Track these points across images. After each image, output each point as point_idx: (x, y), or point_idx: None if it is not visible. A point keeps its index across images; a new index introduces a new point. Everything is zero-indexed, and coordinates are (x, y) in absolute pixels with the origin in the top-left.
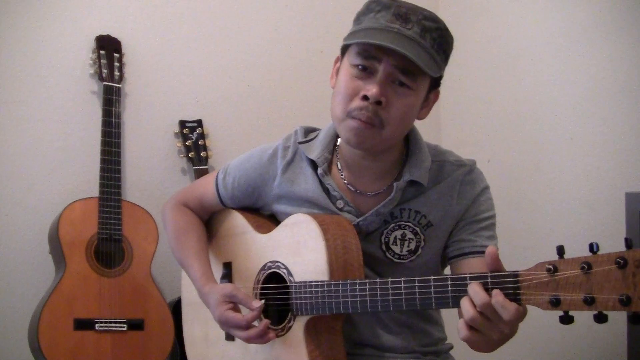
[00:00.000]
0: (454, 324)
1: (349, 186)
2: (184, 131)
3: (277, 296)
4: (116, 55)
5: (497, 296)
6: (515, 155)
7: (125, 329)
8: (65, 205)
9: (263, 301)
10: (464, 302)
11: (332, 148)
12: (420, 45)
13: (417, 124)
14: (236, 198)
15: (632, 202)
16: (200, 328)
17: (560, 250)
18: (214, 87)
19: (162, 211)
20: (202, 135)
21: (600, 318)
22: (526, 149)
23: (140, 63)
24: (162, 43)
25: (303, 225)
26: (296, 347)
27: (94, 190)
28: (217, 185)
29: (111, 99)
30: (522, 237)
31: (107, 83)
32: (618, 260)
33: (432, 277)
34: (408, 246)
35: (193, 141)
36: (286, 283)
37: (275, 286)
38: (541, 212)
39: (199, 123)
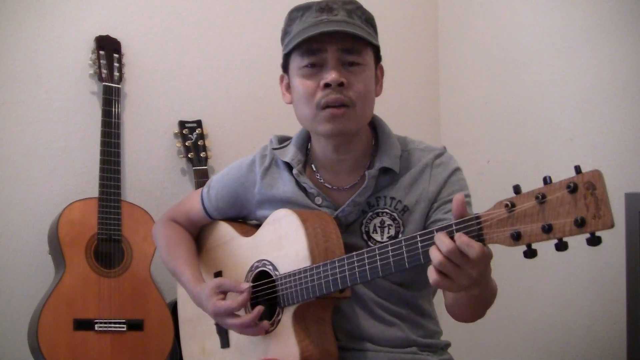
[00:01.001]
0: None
1: (325, 184)
2: (184, 131)
3: (265, 293)
4: (116, 55)
5: (461, 237)
6: (515, 155)
7: (124, 329)
8: (64, 205)
9: (250, 283)
10: (432, 251)
11: (305, 151)
12: (352, 24)
13: (415, 123)
14: (221, 209)
15: (632, 202)
16: (197, 343)
17: (517, 189)
18: (213, 88)
19: (153, 231)
20: (201, 136)
21: (561, 246)
22: (526, 149)
23: (139, 63)
24: (162, 43)
25: (284, 219)
26: (286, 339)
27: (93, 190)
28: (202, 199)
29: (111, 100)
30: None
31: (106, 83)
32: (569, 185)
33: (402, 238)
34: (388, 232)
35: (192, 141)
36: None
37: (261, 283)
38: None
39: (199, 123)
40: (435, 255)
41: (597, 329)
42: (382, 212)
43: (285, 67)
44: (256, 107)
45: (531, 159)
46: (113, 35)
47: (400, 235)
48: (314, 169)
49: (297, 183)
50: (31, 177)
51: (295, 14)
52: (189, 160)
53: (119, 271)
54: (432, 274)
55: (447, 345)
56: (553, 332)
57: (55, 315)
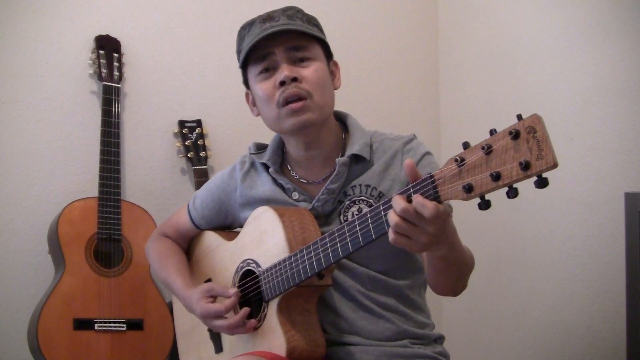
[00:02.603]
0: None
1: (300, 180)
2: (184, 131)
3: (252, 290)
4: (115, 55)
5: (417, 198)
6: None
7: (124, 328)
8: (64, 205)
9: (237, 289)
10: (389, 214)
11: (281, 152)
12: (292, 25)
13: (415, 122)
14: (207, 217)
15: (632, 202)
16: (194, 354)
17: (466, 144)
18: (213, 87)
19: (146, 249)
20: (201, 135)
21: (511, 192)
22: None
23: (139, 63)
24: (162, 43)
25: (263, 216)
26: (273, 332)
27: (93, 190)
28: (189, 210)
29: (110, 99)
30: (522, 237)
31: (106, 83)
32: (511, 132)
33: (367, 210)
34: None
35: (192, 141)
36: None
37: (246, 281)
38: (541, 212)
39: (199, 123)
40: (391, 217)
41: (597, 329)
42: (359, 200)
43: (246, 82)
44: None
45: None
46: (113, 34)
47: None
48: (289, 168)
49: (275, 181)
50: (31, 177)
51: (243, 32)
52: (189, 159)
53: (119, 271)
54: (390, 234)
55: (441, 338)
56: (553, 332)
57: (55, 315)
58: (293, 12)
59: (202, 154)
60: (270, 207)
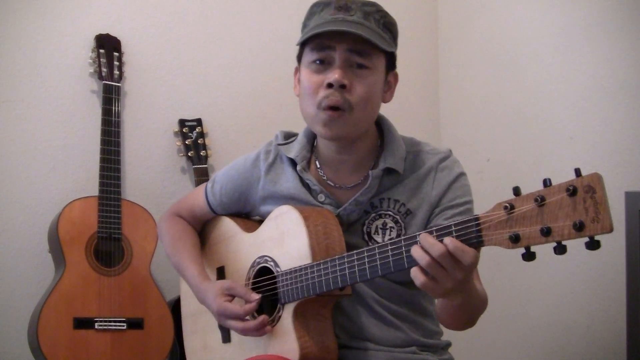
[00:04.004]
0: None
1: (328, 182)
2: (184, 130)
3: (266, 289)
4: (116, 54)
5: (454, 242)
6: (515, 154)
7: (124, 328)
8: (64, 204)
9: (260, 295)
10: (419, 255)
11: (310, 148)
12: (366, 26)
13: (415, 122)
14: (225, 205)
15: (632, 201)
16: (199, 338)
17: (517, 190)
18: (213, 86)
19: (157, 225)
20: (201, 134)
21: (560, 249)
22: (526, 148)
23: (139, 62)
24: (162, 42)
25: (285, 215)
26: (286, 335)
27: (93, 189)
28: (206, 194)
29: (111, 98)
30: None
31: (106, 82)
32: (568, 188)
33: (402, 237)
34: (389, 235)
35: (192, 140)
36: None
37: (263, 279)
38: None
39: (199, 122)
40: (421, 256)
41: (596, 329)
42: (385, 214)
43: (299, 59)
44: (256, 105)
45: (531, 158)
46: (113, 33)
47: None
48: (318, 166)
49: (301, 179)
50: (31, 176)
51: (315, 8)
52: (189, 158)
53: (119, 270)
54: (418, 276)
55: (448, 345)
56: (553, 332)
57: (56, 314)
58: (371, 10)
59: (202, 153)
60: (294, 207)
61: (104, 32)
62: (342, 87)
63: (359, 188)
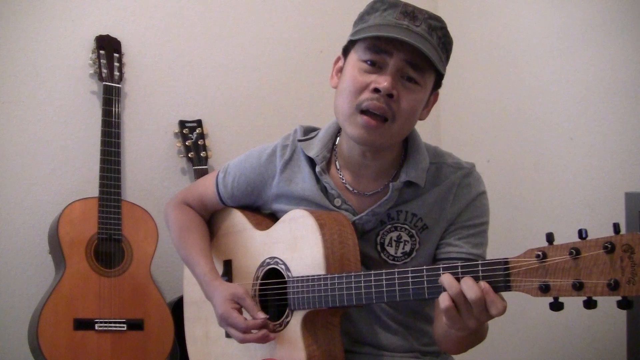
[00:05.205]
0: None
1: (346, 185)
2: (184, 131)
3: (275, 292)
4: (116, 55)
5: (490, 294)
6: (515, 155)
7: (125, 329)
8: (65, 205)
9: (267, 316)
10: (446, 295)
11: (331, 147)
12: (428, 41)
13: (417, 123)
14: (235, 197)
15: (632, 202)
16: (202, 327)
17: (550, 237)
18: (213, 87)
19: (164, 211)
20: (201, 135)
21: (590, 304)
22: (526, 149)
23: (140, 63)
24: (162, 43)
25: (300, 220)
26: (294, 342)
27: (93, 190)
28: (217, 184)
29: (111, 99)
30: (522, 237)
31: (106, 83)
32: (606, 245)
33: (425, 267)
34: (403, 248)
35: (193, 141)
36: (284, 278)
37: (273, 282)
38: (541, 212)
39: (199, 123)
40: (446, 299)
41: (597, 329)
42: (401, 227)
43: (346, 51)
44: (256, 106)
45: (531, 159)
46: (113, 34)
47: (414, 253)
48: (338, 168)
49: (318, 181)
50: (31, 177)
51: (380, 5)
52: (189, 159)
53: (119, 271)
54: (445, 312)
55: None
56: (553, 332)
57: (56, 315)
58: (436, 26)
59: (202, 154)
60: (310, 213)
61: (104, 33)
62: (390, 96)
63: (378, 197)
